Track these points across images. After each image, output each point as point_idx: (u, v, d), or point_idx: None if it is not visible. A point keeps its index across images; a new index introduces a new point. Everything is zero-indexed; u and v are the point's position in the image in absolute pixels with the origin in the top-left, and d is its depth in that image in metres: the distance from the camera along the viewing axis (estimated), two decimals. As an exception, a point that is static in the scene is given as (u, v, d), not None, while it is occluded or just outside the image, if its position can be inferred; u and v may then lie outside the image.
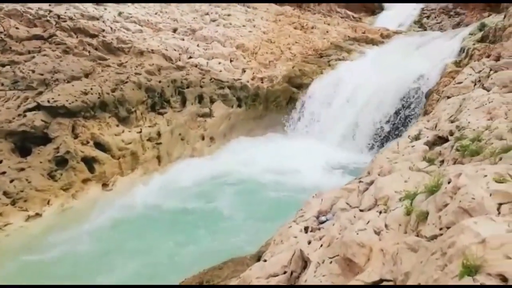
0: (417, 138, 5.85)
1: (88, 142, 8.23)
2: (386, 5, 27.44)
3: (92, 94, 8.61)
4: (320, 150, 10.98)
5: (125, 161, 8.80)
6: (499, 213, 2.14)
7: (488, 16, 17.95)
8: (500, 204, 2.21)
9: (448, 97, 7.44)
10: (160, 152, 9.63)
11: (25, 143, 7.75)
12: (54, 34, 9.53)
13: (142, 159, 9.17)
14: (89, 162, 8.24)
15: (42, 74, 8.42)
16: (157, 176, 9.16)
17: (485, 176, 2.49)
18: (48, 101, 7.92)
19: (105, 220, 7.26)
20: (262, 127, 13.38)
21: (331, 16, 23.07)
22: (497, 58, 7.68)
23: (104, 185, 8.42)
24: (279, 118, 13.64)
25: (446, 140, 5.04)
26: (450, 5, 22.87)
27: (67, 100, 8.16)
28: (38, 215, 7.26)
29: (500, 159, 3.32)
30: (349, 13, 26.01)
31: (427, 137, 5.50)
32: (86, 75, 9.17)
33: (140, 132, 9.32)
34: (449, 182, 2.63)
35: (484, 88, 6.01)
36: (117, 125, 9.03)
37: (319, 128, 12.69)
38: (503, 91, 5.47)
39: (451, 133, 4.98)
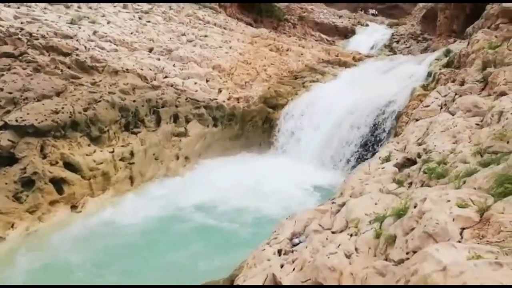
0: (387, 159, 6.01)
1: (57, 163, 7.98)
2: (358, 29, 28.56)
3: (63, 113, 8.40)
4: (296, 170, 11.06)
5: (96, 182, 8.56)
6: (461, 237, 2.21)
7: (454, 42, 18.94)
8: (462, 229, 2.29)
9: (417, 120, 7.72)
10: (133, 172, 9.44)
11: (-10, 163, 7.43)
12: (25, 52, 9.32)
13: (114, 179, 8.95)
14: (58, 183, 7.96)
15: (11, 93, 8.16)
16: (130, 196, 8.95)
17: (449, 201, 2.58)
18: (16, 120, 7.67)
19: (68, 243, 7.00)
20: (238, 146, 13.41)
21: (305, 39, 23.75)
22: (462, 83, 8.07)
23: (73, 206, 8.14)
24: (255, 138, 13.74)
25: (415, 162, 5.20)
26: (418, 31, 24.01)
27: (36, 119, 7.92)
28: (1, 238, 6.91)
29: (464, 182, 3.45)
30: (323, 36, 26.89)
31: (397, 159, 5.66)
32: (58, 94, 8.96)
33: (113, 152, 9.13)
34: (415, 207, 2.71)
35: (449, 112, 6.27)
36: (89, 145, 8.81)
37: (295, 148, 12.83)
38: (467, 115, 5.73)
39: (419, 156, 5.15)
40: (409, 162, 5.34)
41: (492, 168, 3.32)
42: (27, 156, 7.56)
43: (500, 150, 3.73)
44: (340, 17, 29.76)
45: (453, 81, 8.81)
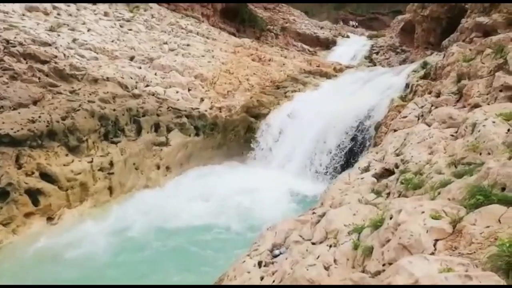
0: (366, 169, 6.10)
1: (33, 173, 7.76)
2: (339, 40, 29.12)
3: (40, 122, 8.21)
4: (279, 179, 11.09)
5: (74, 193, 8.36)
6: (435, 249, 2.26)
7: (431, 54, 19.50)
8: (436, 241, 2.34)
9: (395, 130, 7.88)
10: (112, 183, 9.26)
11: (-39, 174, 7.17)
12: (2, 60, 9.09)
13: (93, 190, 8.77)
14: (34, 195, 7.74)
15: (-15, 101, 7.94)
16: (111, 209, 8.76)
17: (423, 212, 2.63)
18: (-10, 129, 7.45)
19: (40, 257, 6.78)
20: (220, 156, 13.36)
21: (288, 49, 24.03)
22: (438, 95, 8.30)
23: (49, 218, 7.92)
24: (238, 147, 13.73)
25: (392, 172, 5.30)
26: (397, 43, 24.64)
27: (12, 129, 7.71)
28: (-28, 253, 6.66)
29: (439, 193, 3.53)
30: (305, 46, 27.27)
31: (375, 169, 5.75)
32: (35, 102, 8.76)
33: (91, 161, 8.96)
34: (391, 218, 2.76)
35: (426, 123, 6.43)
36: (67, 155, 8.62)
37: (277, 157, 12.88)
38: (442, 126, 5.88)
39: (397, 166, 5.25)
40: (387, 172, 5.43)
41: (465, 179, 3.41)
42: (2, 167, 7.33)
43: (473, 161, 3.83)
44: (321, 28, 30.27)
45: (430, 93, 9.05)
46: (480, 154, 3.83)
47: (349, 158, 11.11)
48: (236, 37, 22.05)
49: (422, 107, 8.15)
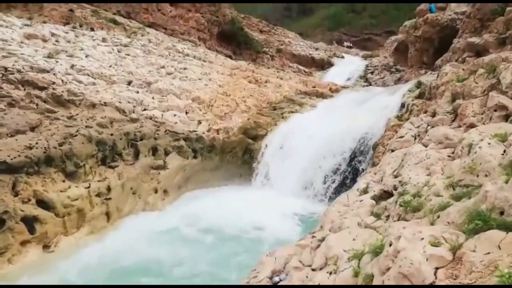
0: (365, 191, 6.08)
1: (29, 200, 7.68)
2: (334, 61, 29.55)
3: (37, 148, 8.19)
4: (277, 201, 11.03)
5: (70, 219, 8.26)
6: (436, 277, 2.23)
7: (425, 73, 19.77)
8: (436, 269, 2.31)
9: (392, 150, 7.90)
10: (110, 208, 9.17)
11: (-43, 202, 7.09)
12: (0, 87, 9.16)
13: (90, 216, 8.67)
14: (30, 222, 7.63)
15: (-18, 128, 7.94)
16: (108, 235, 8.64)
17: (422, 239, 2.61)
18: (-13, 157, 7.42)
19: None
20: (218, 178, 13.32)
21: (283, 70, 24.34)
22: (433, 114, 8.37)
23: (45, 246, 7.79)
24: (235, 169, 13.71)
25: (391, 194, 5.29)
26: (391, 63, 25.03)
27: (8, 156, 7.68)
28: (-35, 284, 6.51)
29: (438, 216, 3.51)
30: (301, 67, 27.66)
31: (374, 191, 5.74)
32: (32, 129, 8.76)
33: (89, 187, 8.89)
34: (390, 245, 2.73)
35: (422, 143, 6.46)
36: (63, 181, 8.56)
37: (275, 179, 12.85)
38: (438, 147, 5.91)
39: (395, 188, 5.24)
40: (386, 194, 5.42)
41: (464, 202, 3.40)
42: (-2, 194, 7.26)
43: (471, 184, 3.83)
44: (316, 49, 30.77)
45: (425, 112, 9.13)
46: (478, 176, 3.83)
47: (347, 178, 11.09)
48: (232, 60, 22.36)
49: (418, 126, 8.21)
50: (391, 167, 6.21)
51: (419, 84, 12.13)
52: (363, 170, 10.39)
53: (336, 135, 12.14)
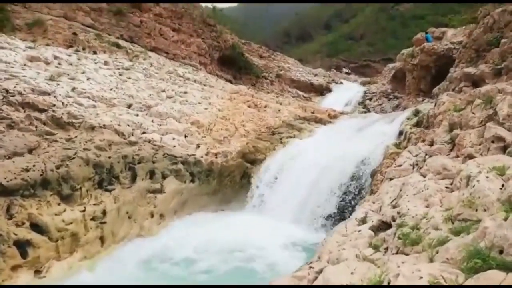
0: (363, 221, 6.02)
1: (23, 224, 7.56)
2: (333, 87, 29.93)
3: (34, 171, 8.14)
4: (274, 228, 10.88)
5: (64, 244, 8.11)
6: (435, 319, 2.17)
7: (422, 101, 20.02)
8: (435, 310, 2.26)
9: (391, 179, 7.88)
10: (104, 232, 9.03)
11: (-51, 225, 6.98)
12: (0, 109, 9.20)
13: (83, 240, 8.52)
14: (22, 246, 7.48)
15: (-20, 150, 7.92)
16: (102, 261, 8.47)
17: (421, 277, 2.57)
18: (-17, 179, 7.36)
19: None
20: (215, 203, 13.22)
21: (283, 95, 24.61)
22: (431, 143, 8.40)
23: (37, 271, 7.61)
24: (233, 193, 13.62)
25: (390, 225, 5.23)
26: (389, 90, 25.36)
27: (5, 178, 7.62)
28: (-48, 310, 6.32)
29: (437, 252, 3.46)
30: (300, 92, 28.00)
31: (372, 221, 5.68)
32: (30, 151, 8.74)
33: (84, 210, 8.78)
34: (389, 283, 2.68)
35: (421, 173, 6.45)
36: (59, 204, 8.46)
37: (273, 204, 12.72)
38: (437, 177, 5.90)
39: (393, 219, 5.19)
40: (385, 225, 5.36)
41: (463, 238, 3.36)
42: (-9, 217, 7.16)
43: (469, 218, 3.80)
44: (315, 75, 31.22)
45: (423, 141, 9.16)
46: (476, 210, 3.81)
47: (345, 205, 11.01)
48: (232, 84, 22.64)
49: (416, 155, 8.21)
50: (389, 197, 6.18)
51: (416, 112, 12.25)
52: (361, 198, 10.32)
53: (334, 162, 12.13)
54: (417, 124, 11.11)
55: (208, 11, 26.81)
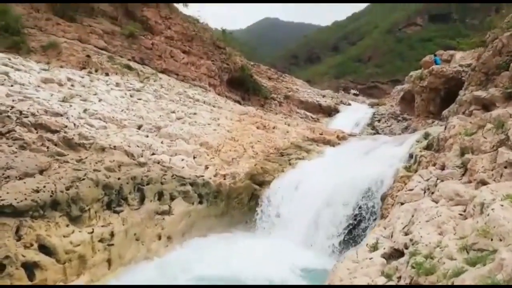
0: (375, 247, 5.91)
1: (32, 245, 7.55)
2: (341, 108, 30.00)
3: (44, 192, 8.18)
4: (284, 251, 10.75)
5: (71, 266, 8.06)
6: None
7: (432, 122, 19.91)
8: None
9: (402, 203, 7.77)
10: (112, 255, 8.97)
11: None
12: (13, 130, 9.35)
13: (91, 263, 8.46)
14: (30, 268, 7.46)
15: (-8, 171, 8.02)
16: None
17: (438, 313, 2.49)
18: (-6, 200, 7.42)
19: None
20: (223, 225, 13.10)
21: (291, 116, 24.71)
22: (442, 168, 8.31)
23: (43, 294, 7.56)
24: (241, 216, 13.52)
25: (402, 253, 5.12)
26: (398, 111, 25.32)
27: (15, 199, 7.67)
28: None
29: (453, 283, 3.37)
30: (308, 113, 28.09)
31: (384, 248, 5.57)
32: (41, 172, 8.82)
33: (92, 232, 8.76)
34: (404, 318, 2.60)
35: (433, 199, 6.35)
36: (67, 225, 8.46)
37: (281, 227, 12.59)
38: (449, 204, 5.80)
39: (406, 247, 5.08)
40: (397, 252, 5.25)
41: (479, 269, 3.27)
42: (1, 238, 7.17)
43: (485, 248, 3.71)
44: (323, 96, 31.38)
45: (434, 165, 9.07)
46: (492, 240, 3.71)
47: (355, 229, 10.83)
48: (241, 105, 22.83)
49: (427, 180, 8.12)
50: (401, 223, 6.07)
51: (426, 135, 12.16)
52: (371, 221, 10.17)
53: (343, 184, 12.01)
54: (428, 147, 11.01)
55: (218, 33, 27.34)
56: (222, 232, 12.56)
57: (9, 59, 13.28)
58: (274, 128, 17.94)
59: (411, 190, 7.99)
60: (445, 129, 10.71)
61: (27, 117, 10.04)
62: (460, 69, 19.37)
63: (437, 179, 7.70)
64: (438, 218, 5.26)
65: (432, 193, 7.09)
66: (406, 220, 6.12)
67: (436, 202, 6.09)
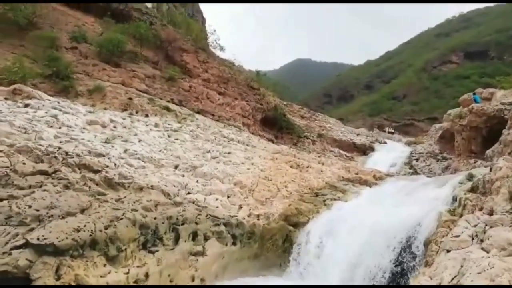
0: (420, 299, 5.52)
1: (70, 285, 7.69)
2: (376, 146, 29.42)
3: (84, 231, 8.42)
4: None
5: (106, 307, 8.09)
6: None
7: (474, 162, 19.01)
8: None
9: (448, 251, 7.30)
10: (146, 296, 8.94)
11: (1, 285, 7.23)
12: (59, 170, 9.84)
13: (125, 304, 8.46)
14: (67, 308, 7.55)
15: (37, 210, 8.37)
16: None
17: None
18: (38, 239, 7.69)
19: None
20: (256, 268, 12.77)
21: (325, 155, 24.45)
22: (490, 213, 7.81)
23: (78, 337, 7.56)
24: (275, 258, 13.13)
25: (452, 308, 4.74)
26: (437, 150, 24.45)
27: (57, 238, 7.92)
28: None
29: None
30: (342, 152, 27.69)
31: (432, 301, 5.19)
32: (82, 211, 9.12)
33: (128, 273, 8.81)
34: None
35: (483, 248, 5.93)
36: (104, 265, 8.57)
37: (317, 270, 12.07)
38: (502, 254, 5.39)
39: (457, 302, 4.71)
40: (446, 307, 4.87)
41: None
42: (42, 277, 7.35)
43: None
44: (357, 134, 31.01)
45: (481, 209, 8.56)
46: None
47: (396, 276, 10.19)
48: (274, 144, 22.94)
49: (475, 226, 7.63)
50: (449, 274, 5.67)
51: (470, 177, 11.58)
52: (413, 269, 9.56)
53: (382, 227, 11.47)
54: (472, 190, 10.43)
55: (252, 75, 28.19)
56: (255, 275, 12.21)
57: (59, 102, 14.25)
58: (308, 167, 17.78)
59: (457, 236, 7.51)
60: (490, 170, 10.18)
61: (72, 157, 10.56)
62: (502, 107, 18.64)
63: (486, 225, 7.23)
64: (491, 270, 4.88)
65: (482, 240, 6.63)
66: (455, 271, 5.72)
67: (487, 252, 5.67)
